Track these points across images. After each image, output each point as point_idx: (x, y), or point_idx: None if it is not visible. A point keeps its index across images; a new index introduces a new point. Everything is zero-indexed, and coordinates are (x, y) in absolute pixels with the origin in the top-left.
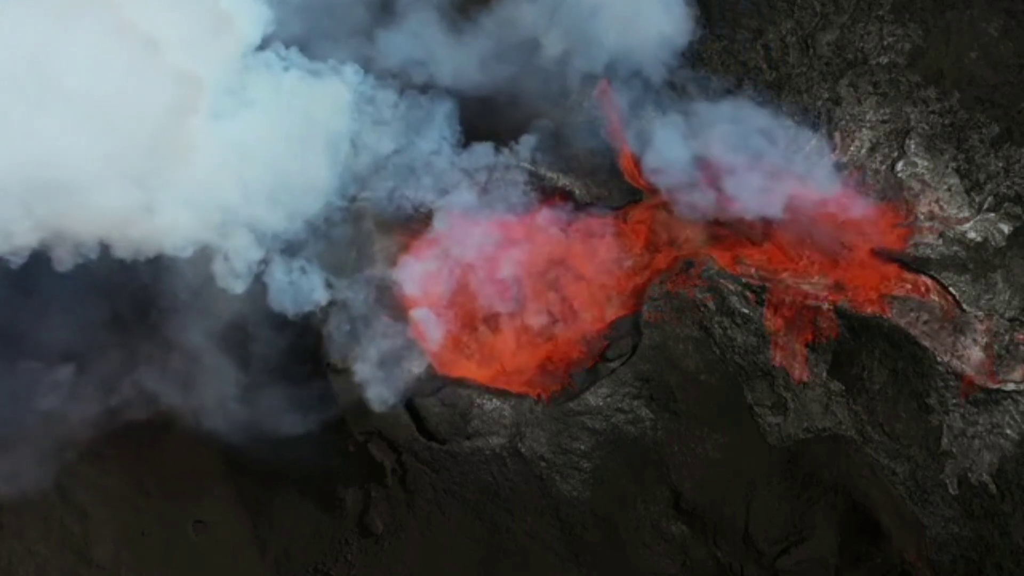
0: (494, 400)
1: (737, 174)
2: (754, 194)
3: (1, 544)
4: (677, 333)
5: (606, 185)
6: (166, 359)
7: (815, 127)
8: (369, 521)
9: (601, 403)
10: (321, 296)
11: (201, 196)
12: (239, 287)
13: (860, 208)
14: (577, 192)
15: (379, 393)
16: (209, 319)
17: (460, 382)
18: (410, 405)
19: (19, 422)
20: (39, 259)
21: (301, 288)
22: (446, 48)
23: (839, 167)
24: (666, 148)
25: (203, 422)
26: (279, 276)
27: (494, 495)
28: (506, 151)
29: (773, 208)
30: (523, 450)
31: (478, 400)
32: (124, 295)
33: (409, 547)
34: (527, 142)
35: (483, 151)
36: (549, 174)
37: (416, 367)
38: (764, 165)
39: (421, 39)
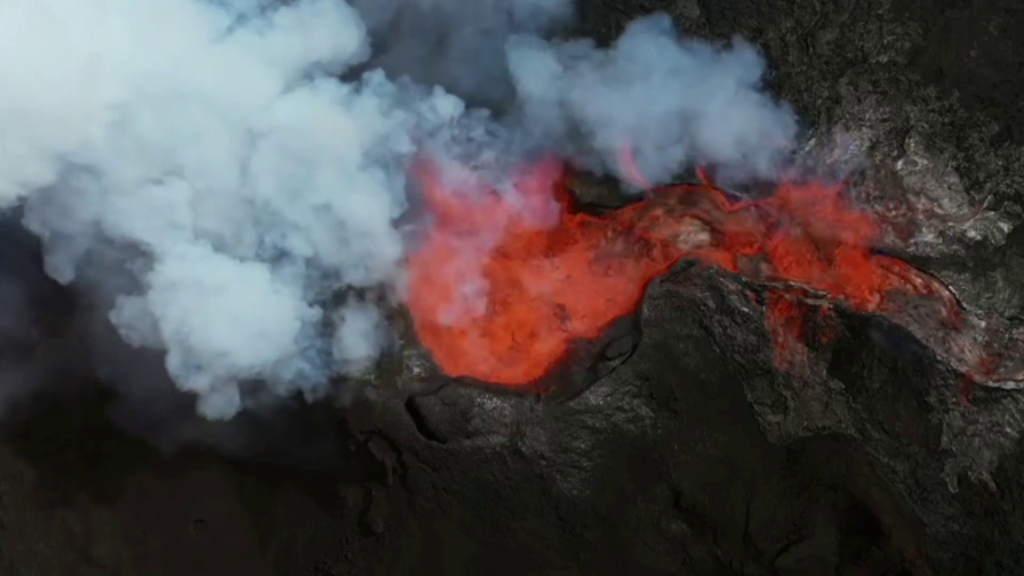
0: (494, 399)
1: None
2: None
3: (2, 543)
4: (677, 332)
5: (606, 184)
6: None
7: (815, 125)
8: (370, 520)
9: (601, 402)
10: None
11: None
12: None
13: (858, 205)
14: (451, 111)
15: (213, 402)
16: None
17: (460, 381)
18: (410, 404)
19: None
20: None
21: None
22: None
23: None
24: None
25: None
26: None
27: (494, 494)
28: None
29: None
30: (523, 449)
31: (478, 399)
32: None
33: (410, 546)
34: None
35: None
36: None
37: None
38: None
39: None
